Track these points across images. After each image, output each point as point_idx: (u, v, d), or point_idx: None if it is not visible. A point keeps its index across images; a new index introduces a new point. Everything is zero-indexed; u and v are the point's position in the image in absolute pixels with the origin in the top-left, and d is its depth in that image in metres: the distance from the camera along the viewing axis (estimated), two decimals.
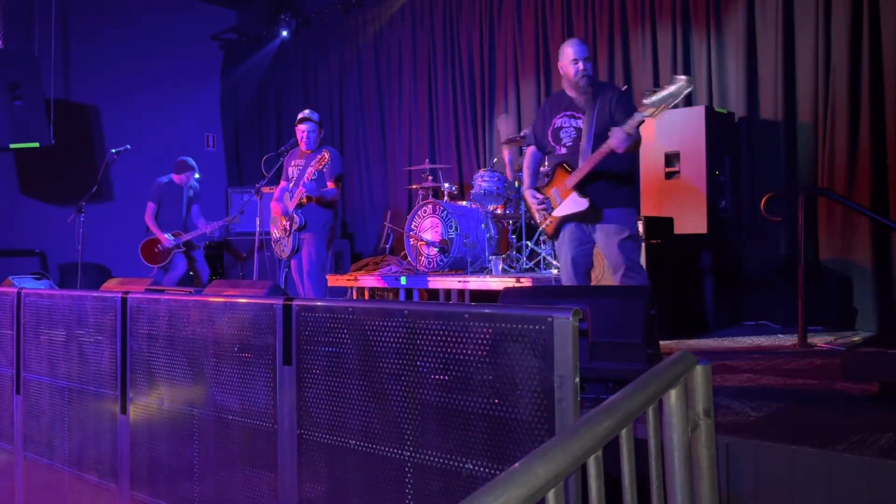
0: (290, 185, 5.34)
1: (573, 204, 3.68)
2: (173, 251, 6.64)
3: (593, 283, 4.28)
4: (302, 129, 5.33)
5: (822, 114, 5.27)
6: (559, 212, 3.76)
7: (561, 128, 3.79)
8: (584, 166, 3.60)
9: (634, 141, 3.51)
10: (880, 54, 5.01)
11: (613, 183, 3.69)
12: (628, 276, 3.63)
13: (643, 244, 3.77)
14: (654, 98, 3.38)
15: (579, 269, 3.80)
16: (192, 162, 6.89)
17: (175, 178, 6.82)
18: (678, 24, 6.15)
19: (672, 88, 3.36)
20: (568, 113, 3.77)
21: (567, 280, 3.84)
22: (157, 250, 6.69)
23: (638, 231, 3.75)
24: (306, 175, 5.13)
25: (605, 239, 3.69)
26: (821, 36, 5.27)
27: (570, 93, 3.79)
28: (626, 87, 6.13)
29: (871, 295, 5.00)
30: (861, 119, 5.07)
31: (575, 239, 3.77)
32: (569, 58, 3.72)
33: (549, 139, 3.85)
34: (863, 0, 5.08)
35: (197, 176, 6.92)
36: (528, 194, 3.91)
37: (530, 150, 4.03)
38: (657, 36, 6.31)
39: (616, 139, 3.43)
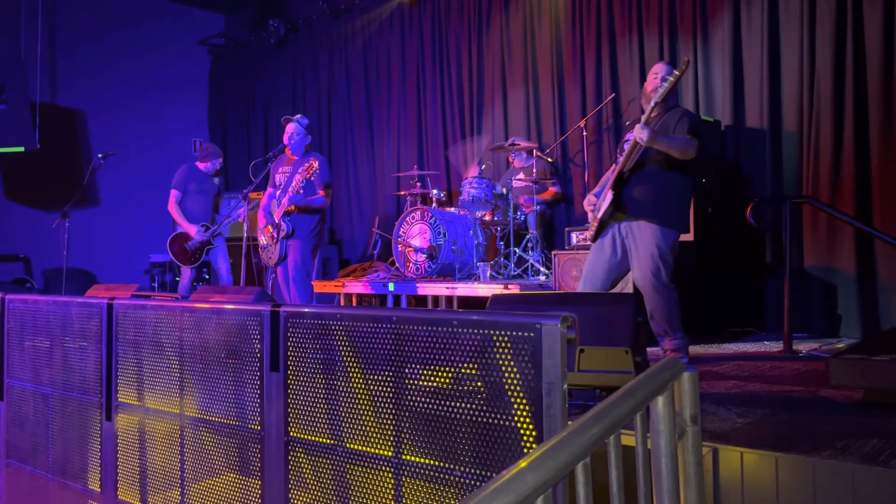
0: (278, 192, 5.33)
1: (607, 201, 3.81)
2: (205, 248, 6.10)
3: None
4: (291, 133, 5.33)
5: (807, 122, 5.32)
6: (600, 212, 3.87)
7: (626, 140, 3.95)
8: (619, 164, 3.78)
9: (658, 138, 3.62)
10: (864, 63, 5.07)
11: (651, 195, 3.76)
12: (656, 294, 3.70)
13: (669, 263, 3.77)
14: (665, 83, 3.68)
15: (595, 281, 3.84)
16: (216, 149, 6.41)
17: (200, 165, 6.31)
18: (665, 33, 6.20)
19: (676, 71, 3.64)
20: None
21: (581, 287, 3.89)
22: (187, 248, 6.06)
23: (670, 254, 3.76)
24: (294, 183, 5.12)
25: (634, 252, 3.77)
26: (805, 45, 5.33)
27: (644, 106, 3.92)
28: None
29: (855, 302, 5.04)
30: (845, 127, 5.13)
31: (606, 251, 3.85)
32: (652, 72, 3.96)
33: (618, 151, 4.02)
34: (847, 9, 5.14)
35: (220, 163, 6.42)
36: (586, 199, 4.07)
37: (612, 167, 4.19)
38: (644, 44, 6.36)
39: (636, 129, 3.63)
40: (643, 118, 3.67)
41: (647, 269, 3.71)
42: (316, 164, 5.01)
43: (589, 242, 4.03)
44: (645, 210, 3.74)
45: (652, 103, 3.67)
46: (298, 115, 5.43)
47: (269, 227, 5.24)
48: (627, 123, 4.23)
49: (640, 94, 4.05)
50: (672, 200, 3.82)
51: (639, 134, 3.60)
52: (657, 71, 3.94)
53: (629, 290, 4.26)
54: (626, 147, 3.89)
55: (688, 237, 5.25)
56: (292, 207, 5.16)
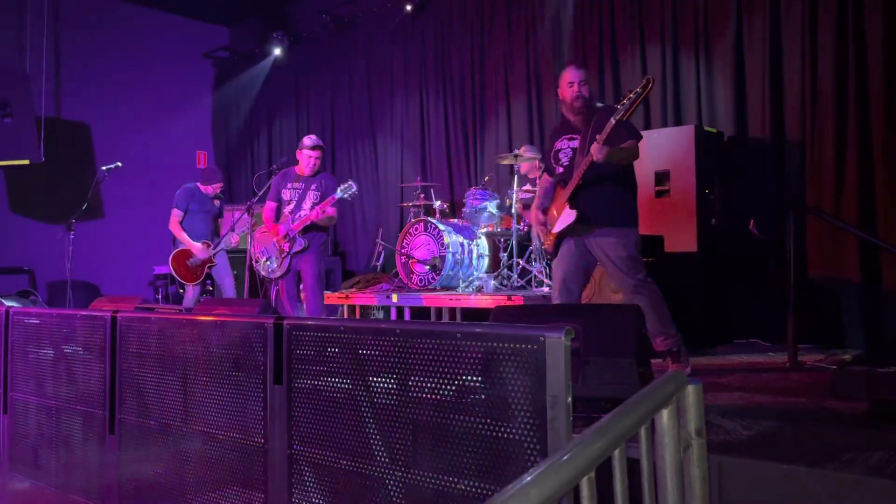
0: (289, 206, 5.30)
1: (566, 217, 3.77)
2: (207, 265, 6.12)
3: (585, 301, 4.30)
4: (312, 156, 5.30)
5: (810, 132, 5.33)
6: (556, 228, 3.83)
7: (560, 150, 3.92)
8: (573, 179, 3.72)
9: (614, 153, 3.57)
10: (866, 73, 5.08)
11: (607, 201, 3.75)
12: (637, 293, 3.69)
13: (639, 259, 3.79)
14: (626, 101, 3.50)
15: (570, 287, 3.84)
16: (218, 173, 6.42)
17: (201, 187, 6.35)
18: (667, 46, 6.22)
19: (638, 89, 3.49)
20: (567, 136, 3.89)
21: (556, 297, 3.87)
22: (189, 265, 6.12)
23: (637, 249, 3.78)
24: (319, 201, 5.18)
25: (605, 259, 3.76)
26: (807, 56, 5.34)
27: (569, 116, 3.90)
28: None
29: (860, 312, 5.02)
30: (848, 137, 5.13)
31: (571, 256, 3.83)
32: (565, 81, 3.85)
33: (552, 162, 3.97)
34: (847, 20, 5.16)
35: (222, 187, 6.45)
36: (532, 215, 4.01)
37: (544, 177, 4.14)
38: (646, 57, 6.37)
39: (593, 148, 3.55)
40: (601, 137, 3.52)
41: (624, 272, 3.71)
42: (354, 186, 5.12)
43: None
44: (604, 217, 3.73)
45: (613, 121, 3.51)
46: (317, 138, 5.39)
47: (282, 240, 5.22)
48: (551, 133, 4.15)
49: (560, 104, 3.96)
50: (626, 201, 3.83)
51: (598, 154, 3.52)
52: (572, 79, 3.80)
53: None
54: (563, 157, 3.87)
55: (691, 248, 5.26)
56: (317, 222, 5.18)
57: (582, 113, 3.80)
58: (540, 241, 4.13)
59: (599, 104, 3.86)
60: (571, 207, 3.74)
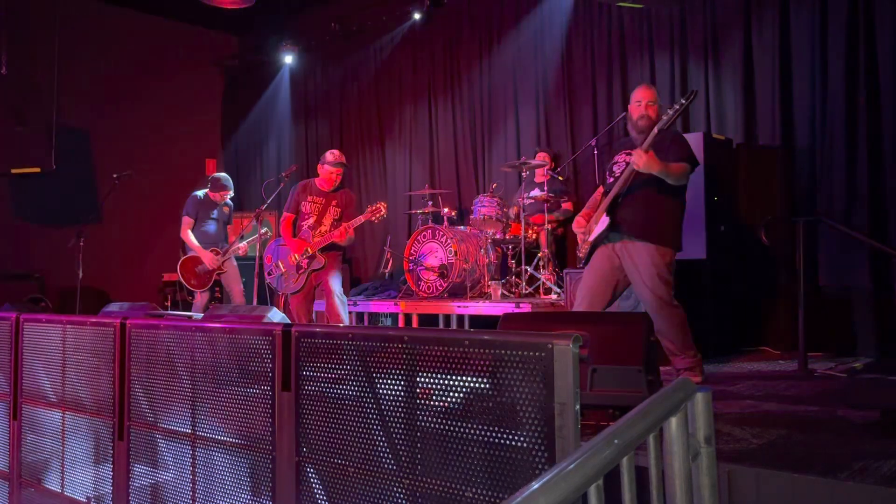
0: (311, 221, 5.28)
1: (601, 224, 3.80)
2: (215, 272, 6.15)
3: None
4: (334, 172, 5.28)
5: (820, 139, 5.31)
6: (592, 235, 3.86)
7: (616, 162, 3.95)
8: (614, 187, 3.77)
9: (656, 163, 3.58)
10: (877, 80, 5.06)
11: (647, 215, 3.74)
12: (661, 313, 3.67)
13: (669, 281, 3.73)
14: (671, 111, 3.63)
15: (594, 299, 3.82)
16: (228, 181, 6.41)
17: (211, 194, 6.38)
18: (676, 52, 6.21)
19: (683, 100, 3.63)
20: (626, 151, 3.90)
21: (577, 306, 3.86)
22: (198, 272, 6.18)
23: (668, 270, 3.74)
24: (339, 217, 5.23)
25: (634, 272, 3.74)
26: (817, 62, 5.33)
27: (632, 133, 3.94)
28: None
29: (871, 320, 4.99)
30: (858, 144, 5.11)
31: (601, 269, 3.83)
32: (634, 99, 3.92)
33: (607, 173, 4.01)
34: (859, 26, 5.14)
35: (231, 195, 6.46)
36: (576, 221, 4.05)
37: (598, 189, 4.18)
38: (655, 64, 6.37)
39: (634, 153, 3.60)
40: (644, 146, 3.62)
41: (649, 288, 3.70)
42: (383, 210, 5.14)
43: None
44: (640, 230, 3.72)
45: (656, 129, 3.62)
46: (339, 154, 5.38)
47: (298, 256, 5.20)
48: (614, 146, 4.24)
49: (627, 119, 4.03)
50: (665, 220, 3.81)
51: (638, 160, 3.57)
52: (640, 98, 3.88)
53: (641, 309, 4.23)
54: (616, 170, 3.89)
55: (700, 255, 5.23)
56: (340, 241, 5.18)
57: (644, 131, 3.80)
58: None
59: (670, 129, 3.87)
60: (607, 215, 3.77)
